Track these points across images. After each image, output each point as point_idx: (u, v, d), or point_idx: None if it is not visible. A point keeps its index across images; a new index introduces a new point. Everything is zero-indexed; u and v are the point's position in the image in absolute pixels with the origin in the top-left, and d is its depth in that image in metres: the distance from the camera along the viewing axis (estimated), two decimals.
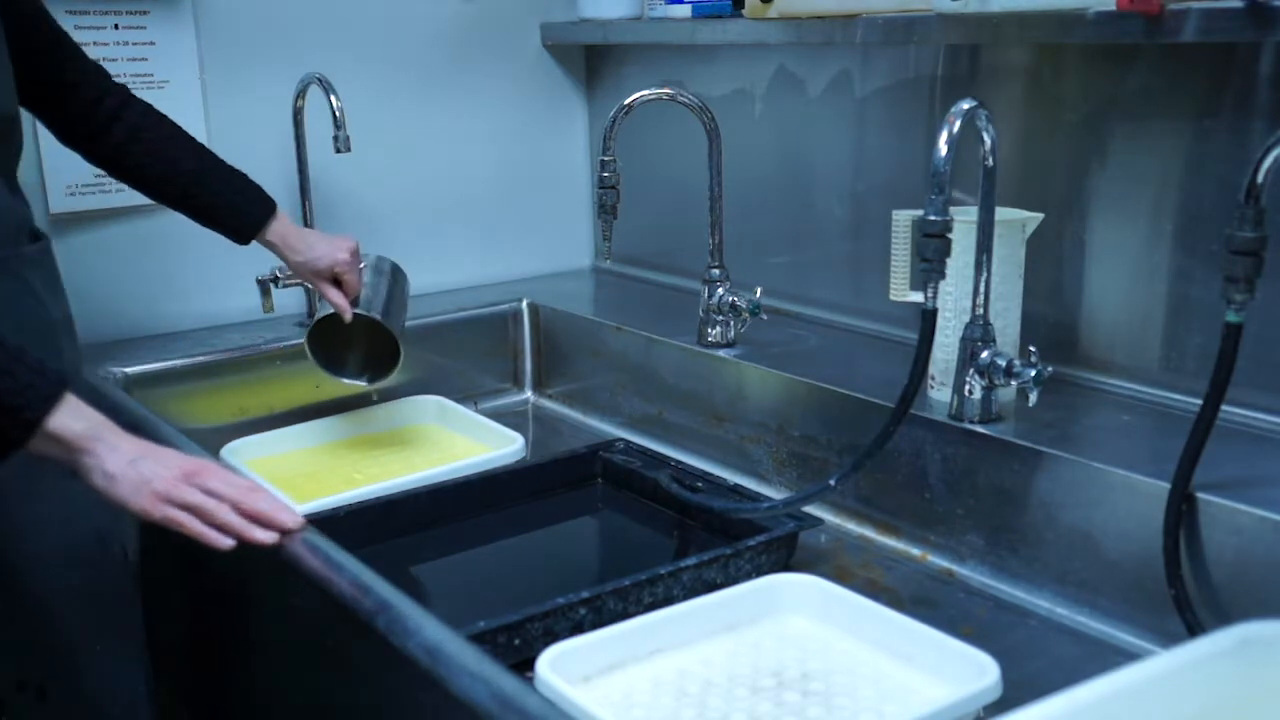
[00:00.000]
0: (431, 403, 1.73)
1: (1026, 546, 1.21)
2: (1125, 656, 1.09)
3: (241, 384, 1.66)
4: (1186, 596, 1.05)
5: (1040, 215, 1.31)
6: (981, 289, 1.24)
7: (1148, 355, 1.32)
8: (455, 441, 1.64)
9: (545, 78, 2.03)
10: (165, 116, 1.37)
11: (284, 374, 1.68)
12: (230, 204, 1.40)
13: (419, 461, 1.56)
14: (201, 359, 1.64)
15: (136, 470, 1.01)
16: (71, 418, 1.00)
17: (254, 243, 1.44)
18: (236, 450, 1.54)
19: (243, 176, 1.42)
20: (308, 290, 1.76)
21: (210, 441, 1.50)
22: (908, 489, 1.31)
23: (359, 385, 1.55)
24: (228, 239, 1.43)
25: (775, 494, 1.42)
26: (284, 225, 1.44)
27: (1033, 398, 1.23)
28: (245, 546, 1.03)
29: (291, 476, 1.50)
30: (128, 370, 1.57)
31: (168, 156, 1.35)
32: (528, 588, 1.25)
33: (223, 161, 1.41)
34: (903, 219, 1.33)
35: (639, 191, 1.66)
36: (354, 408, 1.70)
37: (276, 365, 1.68)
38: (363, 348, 1.55)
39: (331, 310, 1.47)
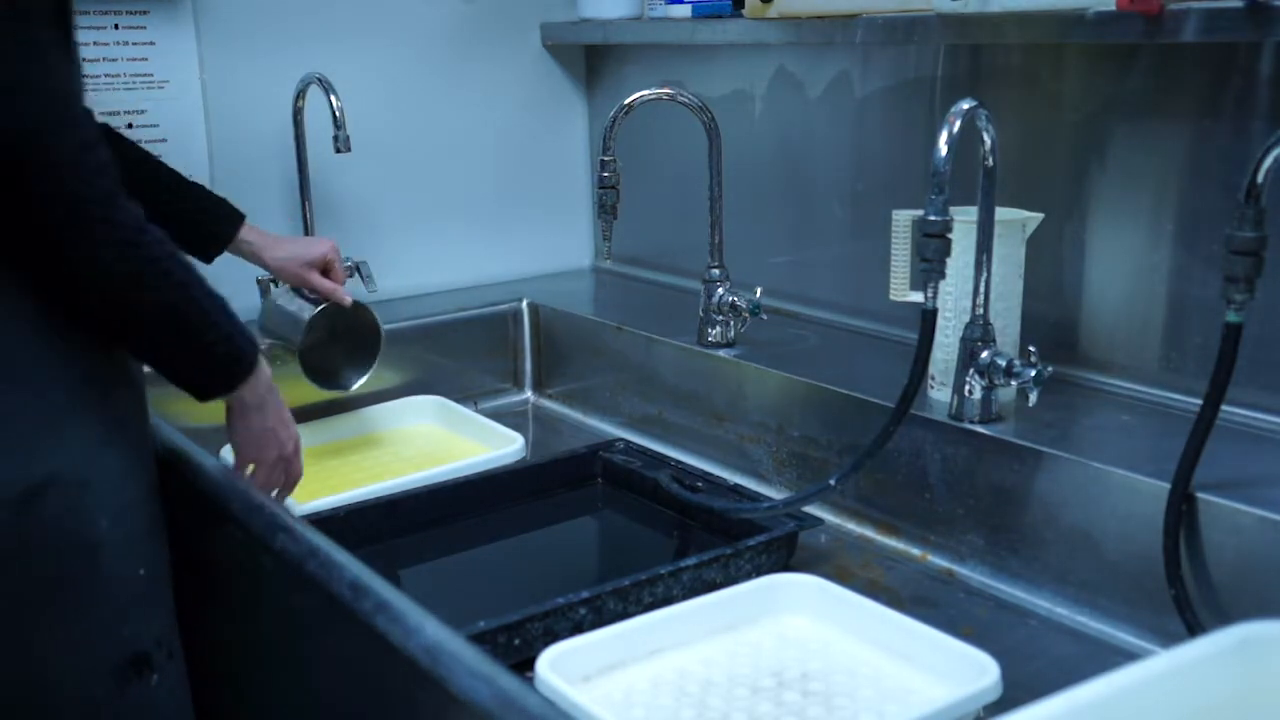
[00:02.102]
0: (431, 403, 1.73)
1: (1026, 546, 1.21)
2: (1125, 656, 1.09)
3: None
4: (1186, 596, 1.05)
5: (1040, 215, 1.31)
6: (981, 289, 1.24)
7: (1148, 355, 1.33)
8: (455, 441, 1.64)
9: (545, 78, 2.03)
10: (128, 144, 1.38)
11: (284, 374, 1.68)
12: (195, 224, 1.42)
13: (419, 461, 1.56)
14: None
15: (276, 435, 1.21)
16: (264, 363, 1.16)
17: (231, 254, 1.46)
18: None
19: (204, 195, 1.43)
20: None
21: (211, 441, 1.50)
22: (908, 489, 1.31)
23: (361, 381, 1.55)
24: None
25: (775, 494, 1.42)
26: (255, 231, 1.46)
27: (1033, 398, 1.23)
28: (244, 544, 1.05)
29: None
30: None
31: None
32: (528, 588, 1.25)
33: (184, 181, 1.42)
34: (903, 219, 1.33)
35: (639, 191, 1.66)
36: (354, 408, 1.70)
37: (276, 366, 1.68)
38: (342, 345, 1.55)
39: (303, 333, 1.49)
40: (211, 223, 1.44)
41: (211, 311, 1.10)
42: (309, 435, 1.63)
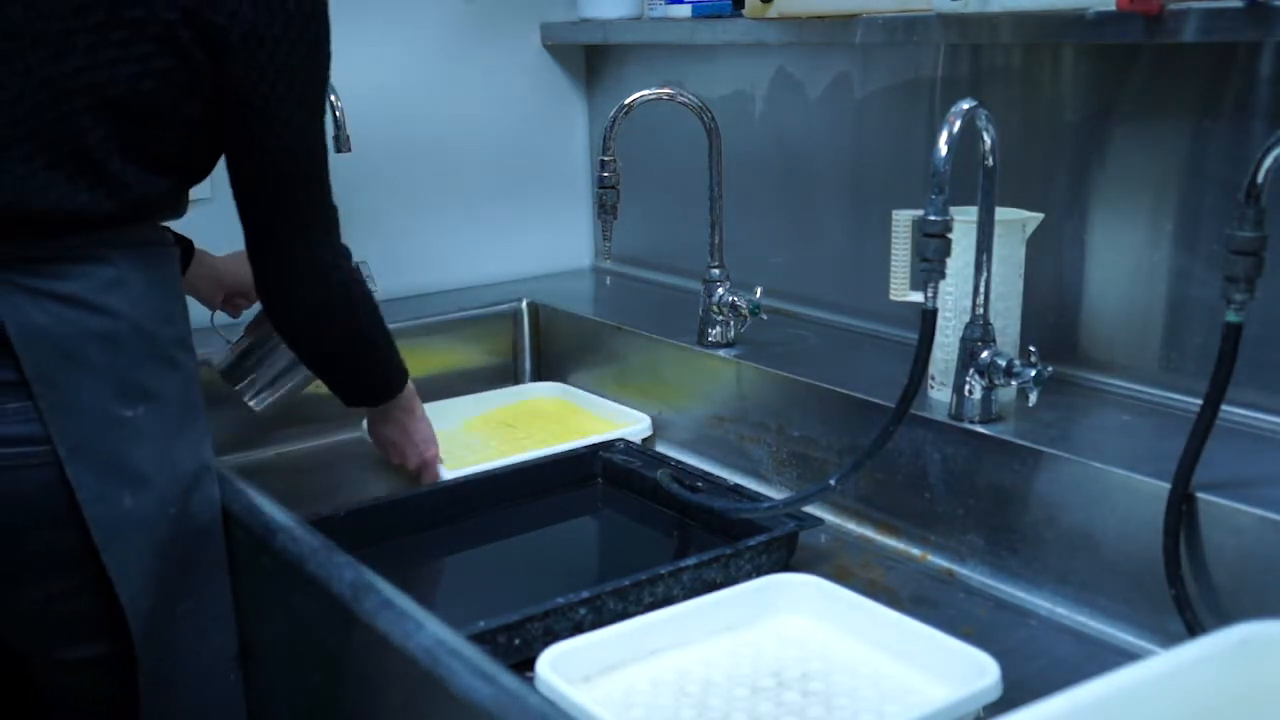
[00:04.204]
0: (555, 389, 1.78)
1: (1026, 546, 1.21)
2: (1125, 656, 1.09)
3: None
4: (1186, 596, 1.05)
5: (1040, 215, 1.31)
6: (981, 289, 1.24)
7: (1148, 355, 1.33)
8: (585, 418, 1.69)
9: (545, 78, 2.03)
10: None
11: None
12: None
13: (548, 439, 1.60)
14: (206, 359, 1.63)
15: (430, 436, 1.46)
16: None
17: None
18: None
19: None
20: None
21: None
22: (908, 489, 1.31)
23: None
24: None
25: (775, 494, 1.43)
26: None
27: (1033, 398, 1.23)
28: (244, 544, 1.05)
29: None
30: None
31: None
32: (528, 588, 1.25)
33: None
34: (903, 219, 1.33)
35: (639, 191, 1.66)
36: (477, 391, 1.78)
37: None
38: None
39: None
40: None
41: (386, 330, 1.34)
42: (463, 409, 1.71)
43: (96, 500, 1.03)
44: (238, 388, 1.46)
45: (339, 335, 1.28)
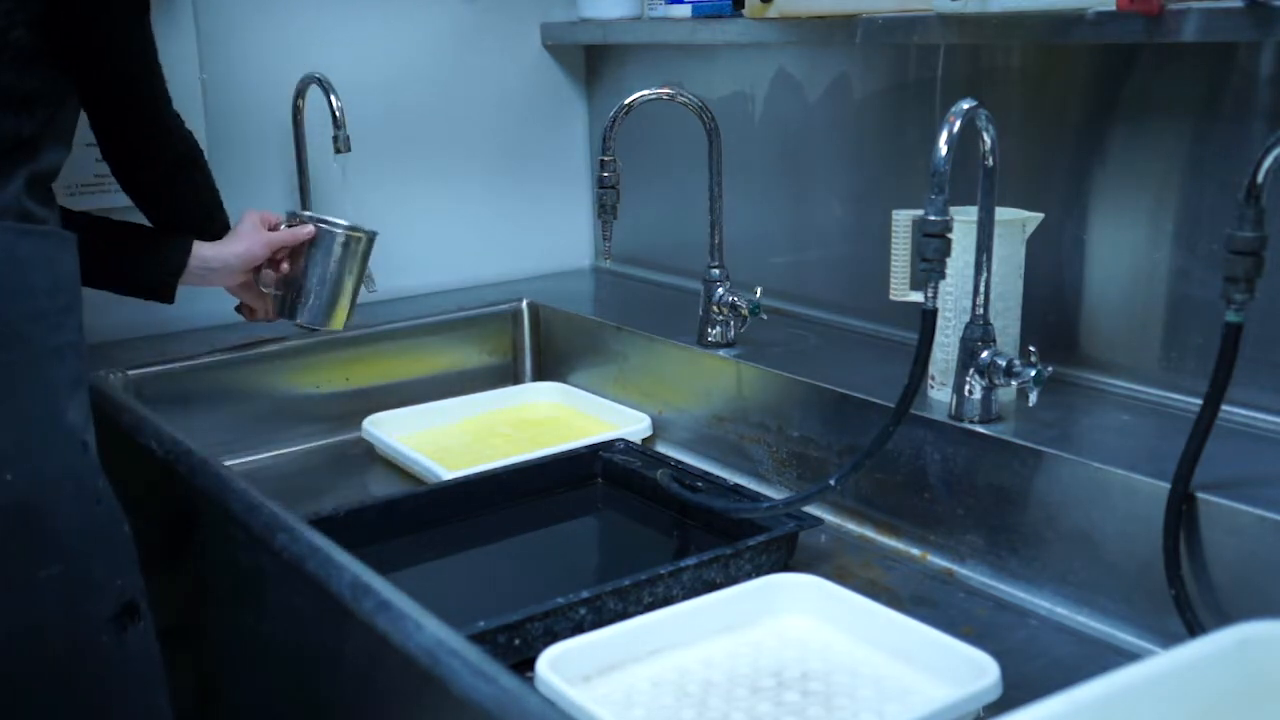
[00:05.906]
0: (554, 388, 1.78)
1: (1026, 546, 1.21)
2: (1125, 656, 1.09)
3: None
4: (1186, 596, 1.05)
5: (1040, 215, 1.31)
6: (981, 289, 1.24)
7: (1148, 355, 1.33)
8: (583, 419, 1.69)
9: (545, 78, 2.03)
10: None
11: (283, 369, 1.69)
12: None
13: (547, 438, 1.61)
14: (206, 359, 1.64)
15: None
16: None
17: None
18: (378, 423, 1.63)
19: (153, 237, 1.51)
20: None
21: (205, 439, 1.50)
22: (908, 489, 1.31)
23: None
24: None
25: (775, 494, 1.43)
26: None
27: (1033, 398, 1.23)
28: (244, 544, 1.05)
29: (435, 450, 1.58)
30: (129, 372, 1.57)
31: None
32: (528, 588, 1.25)
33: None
34: (903, 219, 1.33)
35: (639, 191, 1.66)
36: (475, 390, 1.78)
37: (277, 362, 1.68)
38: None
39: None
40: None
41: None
42: (463, 409, 1.72)
43: None
44: (303, 320, 1.59)
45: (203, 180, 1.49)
